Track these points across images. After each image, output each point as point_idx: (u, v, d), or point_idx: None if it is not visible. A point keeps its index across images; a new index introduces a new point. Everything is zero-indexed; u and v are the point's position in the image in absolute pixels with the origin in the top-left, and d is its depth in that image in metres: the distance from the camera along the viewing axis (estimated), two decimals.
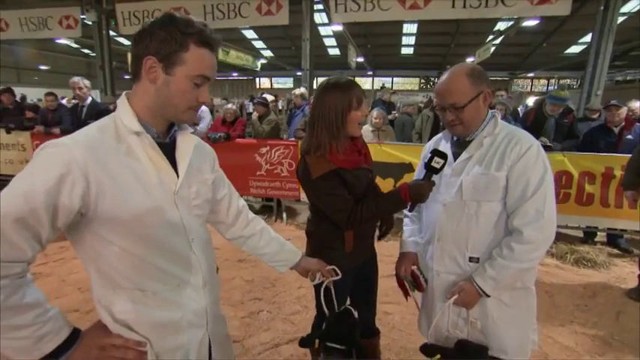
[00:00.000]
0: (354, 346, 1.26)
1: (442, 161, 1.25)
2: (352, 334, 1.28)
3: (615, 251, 3.79)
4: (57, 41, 12.68)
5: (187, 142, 1.00)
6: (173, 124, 0.98)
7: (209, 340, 1.07)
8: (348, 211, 1.36)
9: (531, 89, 20.82)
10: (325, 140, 1.35)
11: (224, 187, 1.18)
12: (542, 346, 2.30)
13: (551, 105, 3.89)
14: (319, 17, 13.07)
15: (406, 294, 1.49)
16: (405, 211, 1.55)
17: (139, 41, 0.87)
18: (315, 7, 6.66)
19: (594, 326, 2.52)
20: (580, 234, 4.12)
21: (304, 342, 1.22)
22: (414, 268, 1.39)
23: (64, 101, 7.64)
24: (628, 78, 17.27)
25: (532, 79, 21.06)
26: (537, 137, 3.87)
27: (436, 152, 1.26)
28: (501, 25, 13.35)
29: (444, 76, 1.24)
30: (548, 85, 20.43)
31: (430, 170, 1.27)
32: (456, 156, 1.31)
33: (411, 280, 1.41)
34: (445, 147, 1.37)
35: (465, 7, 5.49)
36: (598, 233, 4.04)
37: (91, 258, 0.89)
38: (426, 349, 1.14)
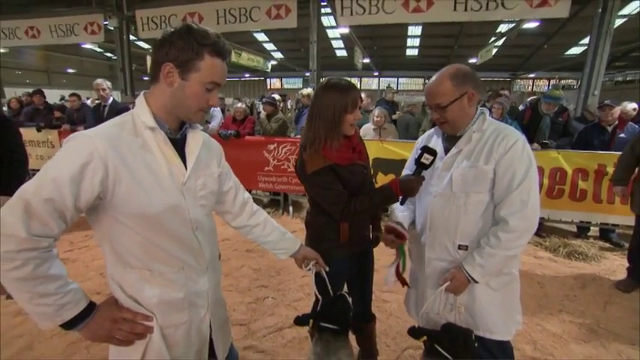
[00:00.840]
0: (347, 326, 1.29)
1: (431, 157, 1.27)
2: (345, 316, 1.31)
3: (607, 245, 3.74)
4: (82, 46, 12.89)
5: (196, 139, 1.05)
6: (184, 122, 1.03)
7: (209, 321, 1.12)
8: (342, 204, 1.38)
9: (532, 89, 20.38)
10: (322, 135, 1.38)
11: (230, 180, 1.22)
12: (532, 333, 2.30)
13: (546, 104, 3.83)
14: (327, 20, 13.04)
15: (402, 282, 1.49)
16: (397, 205, 1.55)
17: (160, 48, 0.91)
18: (323, 10, 6.65)
19: (582, 315, 2.51)
20: (573, 228, 4.06)
21: (300, 321, 1.26)
22: (391, 223, 1.36)
23: (88, 101, 7.80)
24: (628, 78, 16.82)
25: (533, 79, 20.59)
26: (534, 135, 3.85)
27: (426, 149, 1.28)
28: (503, 27, 13.10)
29: (432, 78, 1.27)
30: (548, 86, 19.95)
31: (420, 166, 1.29)
32: (446, 150, 1.32)
33: (393, 236, 1.37)
34: (437, 142, 1.39)
35: (466, 10, 5.42)
36: (591, 228, 3.98)
37: (106, 238, 0.94)
38: (413, 331, 1.16)
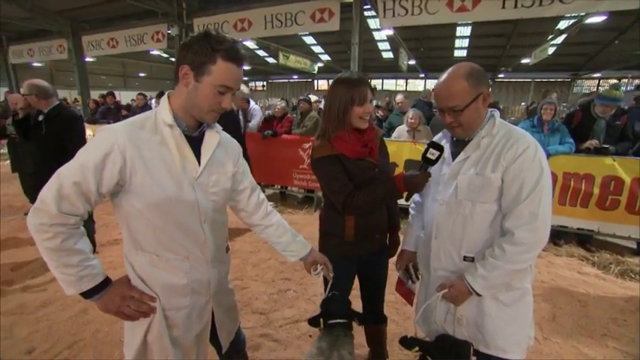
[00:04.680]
0: (352, 317, 1.27)
1: (437, 152, 1.18)
2: (346, 307, 1.29)
3: None
4: (151, 52, 14.08)
5: (213, 138, 1.09)
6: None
7: (212, 309, 1.16)
8: (344, 194, 1.35)
9: (597, 90, 18.15)
10: (329, 128, 1.38)
11: (246, 181, 1.24)
12: (564, 354, 2.06)
13: (601, 106, 3.32)
14: (374, 23, 12.81)
15: (408, 300, 1.47)
16: (411, 220, 1.49)
17: (180, 52, 0.98)
18: (368, 12, 6.54)
19: (630, 343, 2.17)
20: (632, 245, 3.52)
21: (312, 322, 1.26)
22: (409, 265, 1.35)
23: (152, 102, 8.52)
24: None
25: (599, 79, 18.28)
26: (583, 140, 3.40)
27: (432, 144, 1.20)
28: (563, 24, 11.81)
29: (443, 78, 1.12)
30: None
31: (426, 161, 1.21)
32: (454, 156, 1.21)
33: (405, 275, 1.38)
34: (444, 146, 1.28)
35: (516, 7, 4.96)
36: None
37: (124, 221, 1.02)
38: (404, 341, 1.09)
